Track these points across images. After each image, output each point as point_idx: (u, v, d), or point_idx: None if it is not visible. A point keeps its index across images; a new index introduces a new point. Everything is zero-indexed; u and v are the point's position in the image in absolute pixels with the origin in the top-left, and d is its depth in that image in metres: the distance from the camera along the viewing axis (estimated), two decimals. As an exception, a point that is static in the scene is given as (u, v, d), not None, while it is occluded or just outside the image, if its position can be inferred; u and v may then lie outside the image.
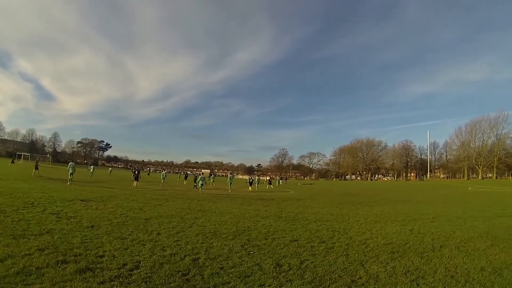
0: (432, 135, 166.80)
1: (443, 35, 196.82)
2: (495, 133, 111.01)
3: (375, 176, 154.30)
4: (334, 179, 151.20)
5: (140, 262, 5.62)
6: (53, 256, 5.48)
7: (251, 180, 38.62)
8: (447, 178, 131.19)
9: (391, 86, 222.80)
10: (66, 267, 5.00)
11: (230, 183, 32.56)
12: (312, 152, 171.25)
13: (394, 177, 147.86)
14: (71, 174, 25.15)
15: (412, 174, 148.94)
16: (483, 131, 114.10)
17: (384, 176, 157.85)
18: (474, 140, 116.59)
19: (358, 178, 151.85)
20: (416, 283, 5.11)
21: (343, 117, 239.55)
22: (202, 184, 27.89)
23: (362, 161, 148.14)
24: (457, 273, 5.65)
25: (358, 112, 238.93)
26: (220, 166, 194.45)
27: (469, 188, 40.91)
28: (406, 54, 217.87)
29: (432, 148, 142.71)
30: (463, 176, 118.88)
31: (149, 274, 5.05)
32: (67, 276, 4.65)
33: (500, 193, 29.38)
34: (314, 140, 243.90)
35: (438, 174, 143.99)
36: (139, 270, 5.20)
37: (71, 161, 30.05)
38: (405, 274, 5.58)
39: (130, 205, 14.06)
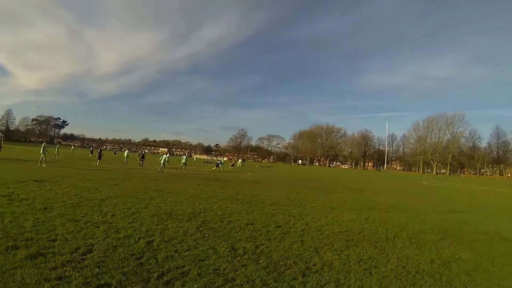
0: (391, 127, 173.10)
1: (410, 29, 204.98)
2: (451, 131, 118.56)
3: (333, 163, 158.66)
4: (293, 163, 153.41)
5: (93, 246, 5.57)
6: (2, 242, 5.34)
7: (219, 162, 40.43)
8: (403, 170, 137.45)
9: (355, 75, 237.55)
10: (16, 253, 4.87)
11: (184, 164, 33.72)
12: (271, 134, 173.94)
13: (352, 166, 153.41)
14: (44, 154, 23.93)
15: (370, 164, 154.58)
16: (439, 128, 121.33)
17: (342, 164, 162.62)
18: (431, 136, 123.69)
19: (316, 163, 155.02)
20: (369, 272, 5.34)
21: (305, 101, 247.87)
22: (164, 164, 28.03)
23: (321, 147, 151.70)
24: (408, 263, 5.99)
25: (320, 97, 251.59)
26: (178, 145, 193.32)
27: (423, 182, 42.88)
28: (373, 44, 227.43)
29: (390, 139, 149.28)
30: (418, 170, 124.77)
31: (102, 258, 5.00)
32: (17, 263, 4.52)
33: (452, 189, 31.09)
34: (274, 123, 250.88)
35: (394, 165, 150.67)
36: (92, 254, 5.14)
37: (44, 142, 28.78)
38: (359, 262, 5.83)
39: (85, 185, 13.89)
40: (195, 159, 47.12)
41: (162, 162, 28.15)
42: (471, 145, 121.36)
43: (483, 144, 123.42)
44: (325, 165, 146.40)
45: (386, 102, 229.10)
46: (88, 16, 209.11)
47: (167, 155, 30.26)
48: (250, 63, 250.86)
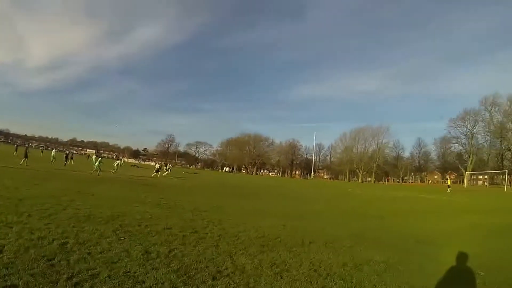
0: (318, 137, 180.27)
1: (341, 44, 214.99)
2: (376, 142, 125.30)
3: (260, 171, 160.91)
4: (220, 170, 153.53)
5: (4, 246, 5.31)
6: None
7: (158, 167, 39.31)
8: (330, 178, 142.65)
9: (285, 85, 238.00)
10: None
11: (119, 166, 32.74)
12: (199, 141, 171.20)
13: (279, 174, 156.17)
14: None
15: (297, 172, 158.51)
16: (365, 139, 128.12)
17: (269, 172, 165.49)
18: (357, 146, 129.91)
19: (244, 171, 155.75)
20: (280, 276, 5.27)
21: (235, 110, 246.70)
22: (99, 166, 27.13)
23: (249, 155, 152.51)
24: (320, 267, 5.95)
25: (250, 106, 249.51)
26: (106, 147, 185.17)
27: (349, 190, 44.53)
28: (305, 56, 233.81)
29: (318, 149, 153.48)
30: (344, 178, 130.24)
31: (12, 259, 4.76)
32: None
33: (375, 196, 32.46)
34: (203, 129, 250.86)
35: (322, 174, 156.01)
36: (1, 255, 4.88)
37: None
38: (271, 266, 5.74)
39: (5, 184, 13.12)
40: (122, 163, 45.59)
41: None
42: (395, 155, 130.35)
43: (406, 154, 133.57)
44: (252, 173, 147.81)
45: (315, 113, 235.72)
46: (20, 4, 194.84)
47: (100, 158, 29.25)
48: (182, 68, 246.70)
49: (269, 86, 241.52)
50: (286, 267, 5.76)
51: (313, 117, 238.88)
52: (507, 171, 76.21)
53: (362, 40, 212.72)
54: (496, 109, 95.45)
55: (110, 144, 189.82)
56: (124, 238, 6.73)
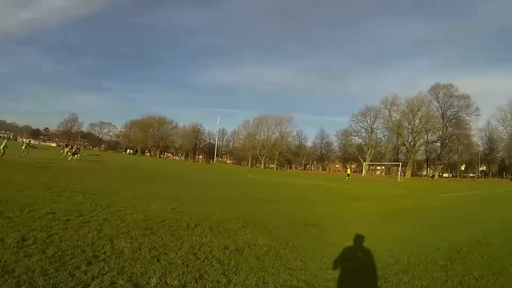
0: (224, 123, 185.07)
1: (258, 35, 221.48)
2: (279, 130, 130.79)
3: (164, 154, 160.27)
4: (123, 152, 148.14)
5: None
6: None
7: (75, 151, 37.15)
8: (232, 164, 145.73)
9: (195, 70, 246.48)
10: None
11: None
12: (103, 121, 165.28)
13: (183, 158, 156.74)
14: None
15: (201, 157, 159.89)
16: (268, 126, 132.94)
17: (173, 156, 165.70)
18: (260, 133, 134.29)
19: (147, 154, 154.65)
20: (157, 259, 5.15)
21: (141, 90, 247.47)
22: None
23: (152, 137, 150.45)
24: (200, 250, 5.84)
25: (157, 88, 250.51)
26: (2, 125, 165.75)
27: (249, 175, 45.51)
28: (219, 43, 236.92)
29: (221, 134, 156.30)
30: (247, 164, 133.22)
31: None
32: None
33: (274, 182, 33.59)
34: (107, 109, 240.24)
35: (225, 159, 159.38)
36: None
37: None
38: (150, 250, 5.59)
39: None
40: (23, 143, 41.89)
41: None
42: (298, 144, 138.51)
43: (309, 143, 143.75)
44: (156, 156, 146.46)
45: (221, 99, 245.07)
46: None
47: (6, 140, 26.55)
48: (89, 43, 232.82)
49: (179, 69, 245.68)
50: (165, 251, 5.63)
51: (219, 102, 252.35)
52: (400, 163, 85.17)
53: (277, 32, 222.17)
54: (395, 108, 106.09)
55: (7, 122, 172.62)
56: (2, 225, 6.36)
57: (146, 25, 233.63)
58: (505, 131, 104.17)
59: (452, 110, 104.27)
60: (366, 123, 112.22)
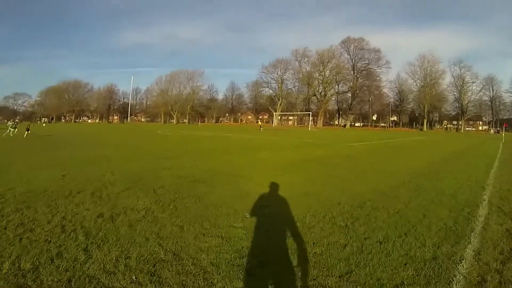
0: (138, 82, 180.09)
1: None
2: (190, 85, 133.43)
3: (79, 119, 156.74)
4: (38, 121, 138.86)
5: None
6: None
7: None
8: (146, 121, 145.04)
9: (108, 31, 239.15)
10: None
11: None
12: (17, 92, 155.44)
13: (98, 120, 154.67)
14: None
15: (116, 117, 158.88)
16: (180, 82, 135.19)
17: (88, 119, 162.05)
18: (172, 89, 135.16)
19: (63, 120, 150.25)
20: (20, 238, 4.60)
21: (56, 56, 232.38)
22: None
23: (68, 103, 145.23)
24: (71, 222, 5.32)
25: (72, 52, 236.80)
26: None
27: (158, 132, 44.55)
28: (131, 3, 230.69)
29: (135, 93, 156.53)
30: (161, 121, 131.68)
31: None
32: None
33: (182, 137, 33.09)
34: (23, 80, 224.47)
35: (139, 118, 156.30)
36: None
37: None
38: (16, 227, 5.02)
39: None
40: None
41: None
42: (209, 98, 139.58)
43: (221, 96, 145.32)
44: (71, 121, 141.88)
45: (136, 58, 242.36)
46: None
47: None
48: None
49: (92, 31, 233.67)
50: (33, 226, 5.05)
51: (134, 62, 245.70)
52: (311, 113, 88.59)
53: None
54: (305, 60, 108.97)
55: None
56: None
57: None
58: (415, 83, 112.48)
59: (363, 62, 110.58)
60: (276, 74, 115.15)
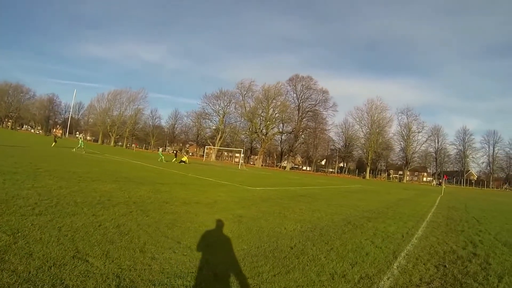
0: (81, 96, 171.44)
1: (134, 12, 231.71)
2: (132, 107, 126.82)
3: (21, 127, 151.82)
4: None
5: None
6: None
7: None
8: (94, 141, 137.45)
9: (66, 38, 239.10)
10: None
11: None
12: None
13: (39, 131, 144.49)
14: None
15: (60, 131, 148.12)
16: (122, 102, 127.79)
17: (32, 128, 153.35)
18: (112, 109, 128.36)
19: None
20: None
21: (7, 56, 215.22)
22: None
23: (6, 106, 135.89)
24: None
25: (17, 52, 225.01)
26: None
27: (73, 150, 38.92)
28: (97, 16, 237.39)
29: (77, 108, 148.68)
30: (99, 141, 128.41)
31: None
32: None
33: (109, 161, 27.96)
34: None
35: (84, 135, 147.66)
36: None
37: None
38: None
39: None
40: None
41: None
42: (151, 123, 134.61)
43: (163, 123, 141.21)
44: (8, 128, 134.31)
45: (85, 72, 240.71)
46: None
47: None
48: None
49: (45, 35, 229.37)
50: None
51: (81, 75, 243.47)
52: (242, 150, 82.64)
53: (148, 12, 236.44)
54: (250, 94, 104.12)
55: None
56: None
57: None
58: (361, 129, 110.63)
59: (310, 103, 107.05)
60: (218, 106, 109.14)
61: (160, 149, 50.87)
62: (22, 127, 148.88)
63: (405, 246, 7.80)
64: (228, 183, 20.87)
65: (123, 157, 39.14)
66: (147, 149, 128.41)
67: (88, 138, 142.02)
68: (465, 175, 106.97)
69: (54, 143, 41.25)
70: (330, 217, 11.15)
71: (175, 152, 59.15)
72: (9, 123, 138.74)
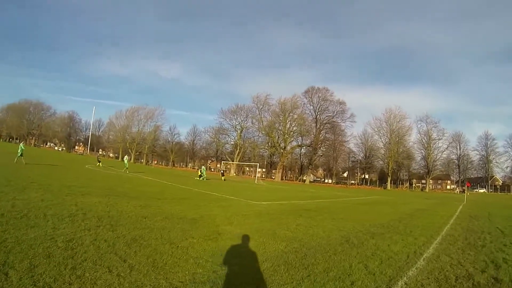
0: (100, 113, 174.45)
1: (150, 30, 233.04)
2: (150, 124, 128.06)
3: (45, 144, 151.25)
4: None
5: None
6: None
7: None
8: (116, 157, 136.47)
9: (92, 59, 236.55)
10: None
11: None
12: None
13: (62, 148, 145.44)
14: None
15: (82, 148, 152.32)
16: (139, 119, 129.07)
17: (55, 146, 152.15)
18: (131, 126, 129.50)
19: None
20: None
21: (28, 74, 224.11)
22: None
23: (28, 124, 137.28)
24: None
25: (37, 71, 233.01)
26: None
27: (87, 166, 39.46)
28: (114, 34, 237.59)
29: (97, 125, 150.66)
30: (118, 157, 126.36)
31: None
32: None
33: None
34: None
35: (107, 152, 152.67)
36: None
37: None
38: None
39: None
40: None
41: None
42: (169, 139, 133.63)
43: (182, 139, 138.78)
44: (31, 145, 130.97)
45: (104, 89, 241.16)
46: None
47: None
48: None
49: (76, 56, 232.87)
50: None
51: (100, 93, 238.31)
52: (258, 164, 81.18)
53: (169, 32, 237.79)
54: (266, 108, 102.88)
55: None
56: None
57: (34, 4, 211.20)
58: (381, 140, 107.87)
59: (327, 115, 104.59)
60: (235, 121, 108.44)
61: (203, 167, 46.27)
62: (46, 144, 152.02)
63: (407, 270, 6.30)
64: (232, 198, 19.70)
65: (156, 175, 39.03)
66: (167, 165, 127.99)
67: (111, 155, 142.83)
68: (489, 181, 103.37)
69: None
70: (327, 234, 9.77)
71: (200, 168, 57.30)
72: (32, 140, 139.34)
